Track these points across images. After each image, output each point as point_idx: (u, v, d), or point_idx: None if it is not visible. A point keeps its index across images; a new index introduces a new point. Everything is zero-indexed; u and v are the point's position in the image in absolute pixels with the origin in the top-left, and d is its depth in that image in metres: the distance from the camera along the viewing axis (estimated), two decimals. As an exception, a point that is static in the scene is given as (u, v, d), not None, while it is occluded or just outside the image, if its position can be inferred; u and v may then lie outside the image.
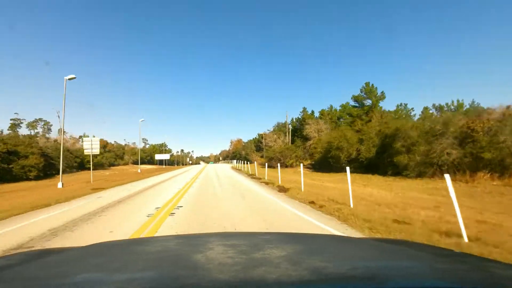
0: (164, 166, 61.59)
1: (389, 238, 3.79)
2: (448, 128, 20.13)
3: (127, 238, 4.53)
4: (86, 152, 20.15)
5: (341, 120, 58.12)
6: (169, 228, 5.26)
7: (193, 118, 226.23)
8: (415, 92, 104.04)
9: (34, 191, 16.33)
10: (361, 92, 36.71)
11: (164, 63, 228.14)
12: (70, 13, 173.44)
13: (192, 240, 1.43)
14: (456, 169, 18.42)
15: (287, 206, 7.57)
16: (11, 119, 57.67)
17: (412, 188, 14.99)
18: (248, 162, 41.70)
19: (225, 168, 39.54)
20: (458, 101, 33.48)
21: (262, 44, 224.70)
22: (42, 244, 4.48)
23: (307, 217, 6.17)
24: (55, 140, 41.43)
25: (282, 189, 10.89)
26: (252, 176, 19.59)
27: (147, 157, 77.18)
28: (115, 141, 77.73)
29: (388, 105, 66.08)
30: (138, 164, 74.06)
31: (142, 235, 4.76)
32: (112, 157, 57.82)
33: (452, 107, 34.00)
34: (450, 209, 5.34)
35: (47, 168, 35.34)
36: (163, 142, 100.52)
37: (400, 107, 41.58)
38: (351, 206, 7.12)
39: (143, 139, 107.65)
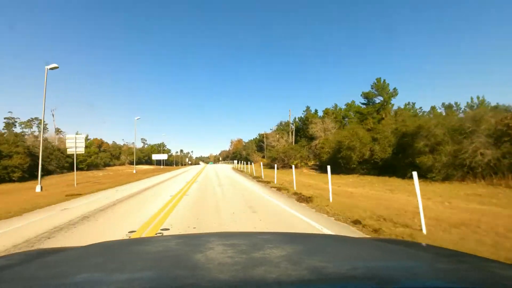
0: (161, 167, 59.17)
1: (389, 238, 3.70)
2: (479, 125, 17.79)
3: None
4: (69, 151, 17.77)
5: (346, 119, 55.91)
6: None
7: (193, 118, 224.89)
8: (415, 92, 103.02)
9: (4, 196, 13.96)
10: (372, 88, 34.36)
11: (164, 63, 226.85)
12: (70, 13, 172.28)
13: (192, 240, 1.43)
14: (492, 172, 16.11)
15: (325, 229, 5.16)
16: (4, 118, 55.27)
17: (450, 195, 12.62)
18: (250, 163, 39.33)
19: (225, 169, 37.13)
20: (478, 97, 31.18)
21: (262, 44, 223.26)
22: None
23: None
24: (46, 139, 38.97)
25: (302, 198, 8.51)
26: (258, 179, 17.21)
27: (145, 157, 74.76)
28: (113, 141, 75.34)
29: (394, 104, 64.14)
30: (135, 164, 71.66)
31: None
32: (108, 157, 55.39)
33: (473, 104, 31.68)
34: None
35: (35, 169, 32.92)
36: (161, 142, 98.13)
37: (408, 106, 39.45)
38: (424, 231, 4.73)
39: (142, 139, 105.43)
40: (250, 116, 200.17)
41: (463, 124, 18.43)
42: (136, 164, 74.50)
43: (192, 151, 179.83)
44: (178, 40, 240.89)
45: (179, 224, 5.56)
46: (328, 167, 9.07)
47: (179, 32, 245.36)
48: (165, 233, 4.87)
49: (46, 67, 17.58)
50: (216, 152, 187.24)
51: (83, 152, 17.79)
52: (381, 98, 33.77)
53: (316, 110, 65.75)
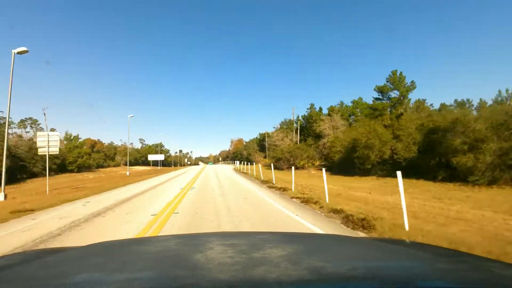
0: (159, 168, 56.13)
1: (389, 238, 3.69)
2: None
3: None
4: (40, 151, 14.78)
5: (352, 117, 53.03)
6: None
7: (192, 118, 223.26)
8: (414, 92, 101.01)
9: None
10: (387, 82, 31.31)
11: (164, 63, 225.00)
12: (70, 13, 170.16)
13: (192, 240, 1.43)
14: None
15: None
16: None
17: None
18: (251, 163, 36.53)
19: (226, 170, 34.15)
20: (507, 90, 28.26)
21: (262, 44, 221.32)
22: None
23: None
24: (31, 139, 35.91)
25: (352, 221, 5.54)
26: (267, 183, 14.26)
27: (142, 158, 71.74)
28: (111, 142, 72.32)
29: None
30: (131, 165, 68.60)
31: None
32: (102, 158, 52.36)
33: (501, 97, 28.74)
34: None
35: (17, 171, 29.99)
36: (159, 142, 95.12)
37: (417, 103, 36.50)
38: None
39: (140, 139, 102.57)
40: (251, 115, 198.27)
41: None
42: (133, 165, 71.51)
43: (191, 151, 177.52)
44: (178, 40, 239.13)
45: None
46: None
47: (179, 32, 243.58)
48: None
49: (12, 51, 14.75)
50: (215, 152, 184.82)
51: (57, 152, 14.82)
52: (397, 93, 30.77)
53: (320, 108, 62.76)
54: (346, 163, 27.95)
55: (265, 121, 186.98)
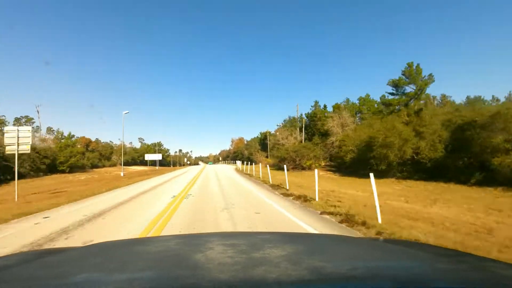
0: (157, 168, 53.71)
1: (389, 238, 3.66)
2: None
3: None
4: (8, 150, 12.37)
5: (358, 114, 50.72)
6: None
7: (192, 117, 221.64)
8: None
9: None
10: (403, 75, 28.79)
11: (164, 63, 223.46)
12: (70, 13, 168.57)
13: (192, 240, 1.42)
14: None
15: None
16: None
17: None
18: (253, 163, 34.23)
19: (227, 171, 31.74)
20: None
21: (262, 43, 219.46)
22: None
23: None
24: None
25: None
26: (279, 189, 11.88)
27: (139, 158, 69.34)
28: (110, 141, 69.98)
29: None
30: (128, 165, 66.14)
31: None
32: (96, 157, 49.94)
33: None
34: None
35: (0, 172, 27.65)
36: (158, 141, 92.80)
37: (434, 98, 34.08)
38: None
39: (139, 138, 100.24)
40: (251, 115, 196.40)
41: None
42: (130, 165, 69.01)
43: (191, 151, 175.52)
44: (178, 40, 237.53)
45: None
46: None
47: (179, 32, 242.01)
48: None
49: None
50: (215, 151, 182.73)
51: (28, 151, 12.43)
52: (414, 87, 28.28)
53: (325, 106, 60.35)
54: (359, 164, 25.56)
55: (266, 120, 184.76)
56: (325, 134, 45.01)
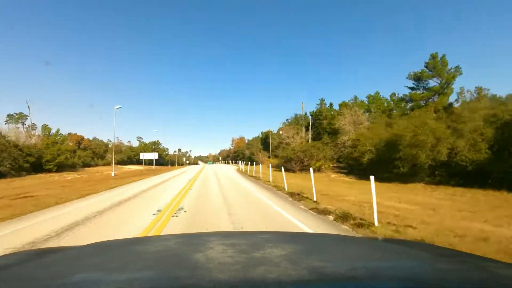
0: (153, 167, 50.69)
1: (389, 238, 3.63)
2: None
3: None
4: None
5: (367, 113, 47.82)
6: None
7: (192, 117, 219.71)
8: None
9: None
10: (426, 67, 25.79)
11: (164, 63, 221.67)
12: (70, 13, 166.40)
13: (192, 240, 1.40)
14: None
15: None
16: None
17: None
18: (253, 163, 31.37)
19: (228, 172, 28.74)
20: None
21: (262, 43, 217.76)
22: None
23: None
24: (-1, 133, 30.46)
25: None
26: (302, 199, 8.92)
27: (136, 156, 66.26)
28: (108, 139, 67.01)
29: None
30: (123, 164, 63.13)
31: None
32: (89, 155, 46.90)
33: None
34: None
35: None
36: (156, 140, 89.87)
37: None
38: None
39: (137, 137, 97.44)
40: (251, 114, 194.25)
41: None
42: (125, 164, 65.88)
43: (190, 150, 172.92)
44: (178, 40, 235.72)
45: None
46: None
47: (179, 32, 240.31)
48: None
49: None
50: (215, 151, 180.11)
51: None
52: (438, 81, 25.29)
53: (331, 104, 57.49)
54: (378, 166, 22.60)
55: (267, 120, 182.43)
56: (334, 133, 42.12)
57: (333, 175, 28.07)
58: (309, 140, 39.60)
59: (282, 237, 1.40)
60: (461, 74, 23.85)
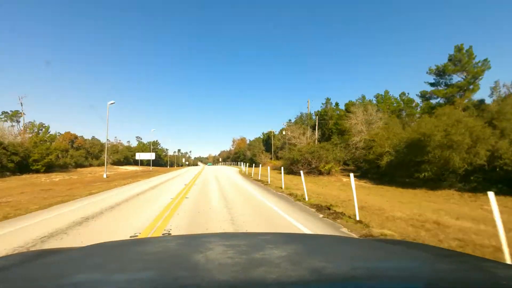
0: (150, 168, 48.24)
1: (390, 238, 3.49)
2: None
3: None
4: None
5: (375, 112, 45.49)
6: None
7: (192, 118, 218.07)
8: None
9: None
10: (451, 61, 23.31)
11: (164, 63, 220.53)
12: (69, 13, 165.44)
13: (192, 241, 1.40)
14: None
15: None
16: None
17: None
18: (256, 165, 29.02)
19: (230, 175, 26.30)
20: None
21: (263, 43, 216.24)
22: None
23: None
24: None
25: None
26: (342, 219, 6.47)
27: (133, 157, 63.77)
28: (108, 139, 64.55)
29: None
30: (120, 164, 60.64)
31: None
32: (82, 155, 44.45)
33: None
34: None
35: None
36: (155, 140, 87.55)
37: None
38: None
39: (137, 137, 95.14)
40: (252, 115, 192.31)
41: None
42: (122, 165, 63.36)
43: (190, 151, 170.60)
44: (178, 40, 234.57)
45: None
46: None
47: (179, 32, 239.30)
48: None
49: None
50: (215, 152, 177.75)
51: None
52: (463, 76, 22.80)
53: (337, 103, 55.20)
54: (397, 169, 20.23)
55: (268, 121, 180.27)
56: (341, 134, 39.76)
57: (345, 179, 25.62)
58: (315, 141, 37.19)
59: (282, 238, 1.38)
60: (489, 67, 21.42)
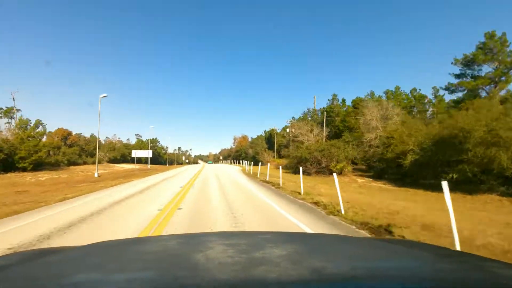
0: (148, 166, 46.00)
1: (390, 238, 3.51)
2: None
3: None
4: None
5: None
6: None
7: (193, 116, 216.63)
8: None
9: None
10: (480, 48, 20.80)
11: (164, 63, 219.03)
12: (69, 13, 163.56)
13: (192, 240, 1.39)
14: None
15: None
16: None
17: None
18: (261, 164, 26.81)
19: (234, 175, 23.96)
20: None
21: (263, 43, 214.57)
22: None
23: None
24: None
25: None
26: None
27: (130, 154, 61.50)
28: (107, 137, 62.27)
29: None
30: (116, 162, 58.34)
31: None
32: (75, 152, 42.17)
33: None
34: None
35: None
36: (154, 137, 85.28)
37: None
38: None
39: (136, 135, 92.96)
40: (254, 113, 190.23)
41: None
42: (118, 163, 61.00)
43: (190, 149, 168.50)
44: (178, 39, 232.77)
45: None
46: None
47: (179, 32, 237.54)
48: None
49: None
50: (216, 150, 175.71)
51: None
52: (494, 66, 20.35)
53: (343, 100, 52.79)
54: (422, 169, 17.92)
55: (270, 119, 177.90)
56: (350, 130, 37.48)
57: (360, 180, 23.32)
58: (324, 138, 34.86)
59: (283, 237, 1.37)
60: (525, 57, 18.93)
